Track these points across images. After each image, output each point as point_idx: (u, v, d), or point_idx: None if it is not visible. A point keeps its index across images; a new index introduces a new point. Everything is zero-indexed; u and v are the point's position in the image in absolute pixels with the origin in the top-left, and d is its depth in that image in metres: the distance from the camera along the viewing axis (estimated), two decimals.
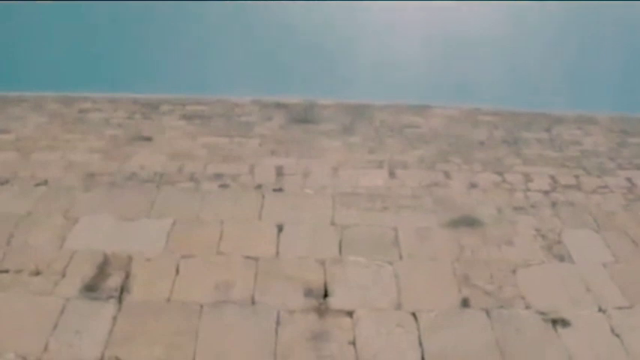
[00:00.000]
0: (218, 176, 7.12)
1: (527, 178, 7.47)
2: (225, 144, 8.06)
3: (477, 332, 4.97)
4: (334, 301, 5.22)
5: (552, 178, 7.52)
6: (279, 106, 9.62)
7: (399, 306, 5.21)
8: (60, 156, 7.47)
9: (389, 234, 6.11)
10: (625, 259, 5.97)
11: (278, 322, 4.98)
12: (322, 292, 5.33)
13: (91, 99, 9.50)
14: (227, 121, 8.91)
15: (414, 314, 5.11)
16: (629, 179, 7.59)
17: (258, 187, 6.94)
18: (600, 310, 5.25)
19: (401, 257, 5.80)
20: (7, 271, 5.32)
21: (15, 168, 7.12)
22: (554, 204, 6.89)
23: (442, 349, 4.80)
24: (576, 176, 7.62)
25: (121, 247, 5.68)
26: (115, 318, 4.88)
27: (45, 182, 6.83)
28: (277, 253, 5.79)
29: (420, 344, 4.84)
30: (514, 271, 5.66)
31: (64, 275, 5.28)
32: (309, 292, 5.31)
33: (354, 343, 4.83)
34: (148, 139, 8.12)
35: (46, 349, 4.56)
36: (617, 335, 4.98)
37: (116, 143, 7.94)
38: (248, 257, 5.65)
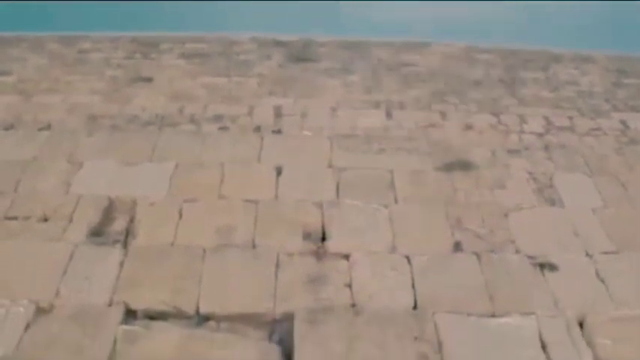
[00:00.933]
0: (218, 118, 7.24)
1: (522, 119, 7.58)
2: (224, 84, 8.16)
3: (467, 275, 5.18)
4: (331, 245, 5.43)
5: (547, 119, 7.63)
6: (277, 44, 9.67)
7: (393, 249, 5.41)
8: (62, 99, 7.58)
9: (385, 177, 6.28)
10: (614, 205, 6.13)
11: (277, 266, 5.19)
12: (320, 236, 5.53)
13: (91, 38, 9.55)
14: (226, 59, 8.98)
15: (407, 257, 5.32)
16: (623, 122, 7.69)
17: (257, 128, 7.07)
18: (587, 254, 5.45)
19: (396, 201, 5.99)
20: (15, 218, 5.51)
21: (18, 111, 7.24)
22: (547, 147, 7.01)
23: (433, 291, 5.02)
24: (570, 118, 7.73)
25: (124, 192, 5.86)
26: (121, 263, 5.09)
27: (48, 126, 6.96)
28: (276, 196, 5.97)
29: (413, 286, 5.06)
30: (506, 215, 5.84)
31: (71, 221, 5.48)
32: (307, 236, 5.51)
33: (350, 286, 5.05)
34: (148, 79, 8.21)
35: (57, 294, 4.79)
36: (602, 280, 5.19)
37: (117, 84, 8.04)
38: (248, 201, 5.84)
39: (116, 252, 5.19)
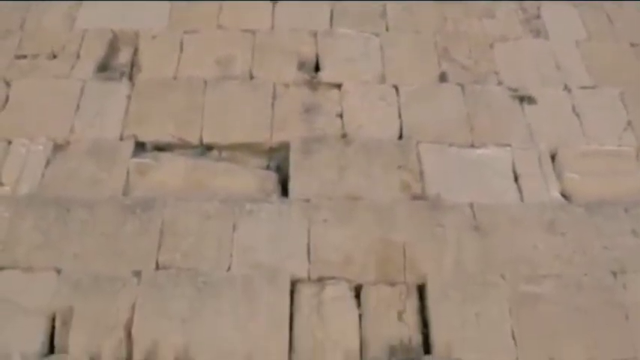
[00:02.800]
0: None
1: None
2: None
3: (451, 106, 5.51)
4: (324, 75, 5.72)
5: None
6: None
7: (382, 79, 5.71)
8: None
9: (377, 5, 6.40)
10: (598, 37, 6.24)
11: (274, 97, 5.53)
12: (313, 66, 5.81)
13: None
14: None
15: (395, 87, 5.64)
16: None
17: None
18: (566, 88, 5.71)
19: (387, 29, 6.17)
20: (25, 57, 5.74)
21: None
22: None
23: (418, 122, 5.38)
24: None
25: (127, 25, 6.02)
26: (129, 97, 5.43)
27: None
28: (272, 26, 6.15)
29: (400, 117, 5.43)
30: (491, 46, 6.03)
31: (78, 56, 5.72)
32: (301, 66, 5.79)
33: (341, 116, 5.42)
34: None
35: (71, 131, 5.18)
36: (577, 115, 5.50)
37: None
38: (246, 30, 6.04)
39: (123, 86, 5.50)
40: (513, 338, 4.29)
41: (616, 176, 5.12)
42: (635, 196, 4.98)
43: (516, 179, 5.05)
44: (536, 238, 4.69)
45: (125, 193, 4.88)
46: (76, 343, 4.21)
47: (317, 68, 5.79)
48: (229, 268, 4.53)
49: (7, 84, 5.51)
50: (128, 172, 4.95)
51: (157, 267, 4.50)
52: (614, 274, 4.59)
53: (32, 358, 4.17)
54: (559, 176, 5.07)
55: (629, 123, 5.46)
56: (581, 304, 4.43)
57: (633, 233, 4.76)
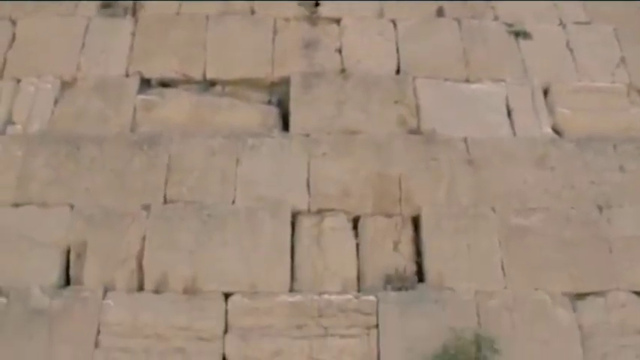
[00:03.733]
0: None
1: None
2: None
3: (447, 41, 5.57)
4: (324, 10, 5.76)
5: None
6: None
7: (381, 14, 5.75)
8: None
9: None
10: None
11: (275, 32, 5.59)
12: (314, 1, 5.84)
13: None
14: None
15: (393, 22, 5.69)
16: None
17: None
18: (561, 23, 5.75)
19: None
20: None
21: None
22: None
23: (415, 57, 5.46)
24: None
25: None
26: (133, 34, 5.49)
27: None
28: None
29: (397, 52, 5.51)
30: None
31: None
32: (302, 1, 5.82)
33: (340, 51, 5.50)
34: None
35: (78, 68, 5.26)
36: (571, 50, 5.56)
37: None
38: None
39: (127, 23, 5.56)
40: (502, 269, 4.51)
41: (607, 113, 5.22)
42: (624, 133, 5.10)
43: (509, 114, 5.17)
44: (527, 173, 4.85)
45: (132, 129, 5.01)
46: (90, 274, 4.45)
47: (317, 3, 5.81)
48: (233, 202, 4.71)
49: (13, 23, 5.56)
50: (134, 109, 5.08)
51: (165, 201, 4.68)
52: (600, 208, 4.76)
53: (50, 290, 4.41)
54: (551, 111, 5.18)
55: (622, 60, 5.52)
56: (567, 237, 4.62)
57: (620, 169, 4.91)
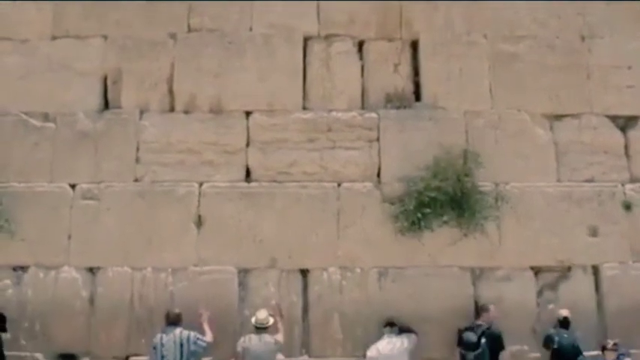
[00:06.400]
0: None
1: None
2: None
3: None
4: None
5: None
6: None
7: None
8: None
9: None
10: None
11: None
12: None
13: None
14: None
15: None
16: None
17: None
18: None
19: None
20: None
21: None
22: None
23: None
24: None
25: None
26: None
27: None
28: None
29: None
30: None
31: None
32: None
33: None
34: None
35: None
36: None
37: None
38: None
39: None
40: (490, 91, 4.94)
41: None
42: None
43: None
44: (519, 2, 5.10)
45: None
46: (127, 99, 4.90)
47: None
48: (251, 29, 5.03)
49: None
50: None
51: (189, 29, 5.00)
52: (583, 38, 5.07)
53: (92, 115, 4.90)
54: None
55: None
56: (550, 63, 4.98)
57: (606, 3, 5.15)
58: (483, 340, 4.35)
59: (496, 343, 4.35)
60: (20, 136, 4.89)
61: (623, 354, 4.46)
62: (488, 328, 4.38)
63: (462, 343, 4.44)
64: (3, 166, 4.82)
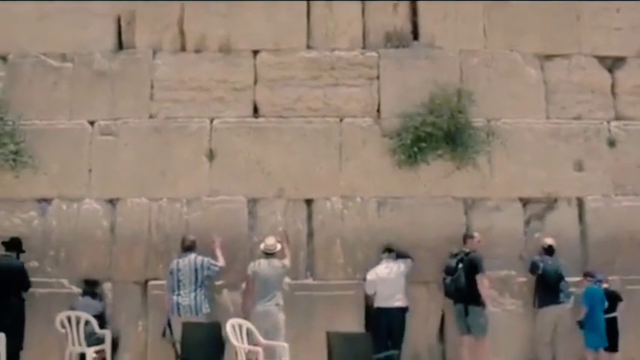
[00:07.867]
0: None
1: None
2: None
3: None
4: None
5: None
6: None
7: None
8: None
9: None
10: None
11: None
12: None
13: None
14: None
15: None
16: None
17: None
18: None
19: None
20: None
21: None
22: None
23: None
24: None
25: None
26: None
27: None
28: None
29: None
30: None
31: None
32: None
33: None
34: None
35: None
36: None
37: None
38: None
39: None
40: (484, 31, 5.13)
41: None
42: None
43: None
44: None
45: None
46: (140, 39, 5.08)
47: None
48: None
49: None
50: None
51: None
52: None
53: (108, 54, 5.09)
54: None
55: None
56: (542, 5, 5.14)
57: None
58: (460, 266, 4.66)
59: (472, 268, 4.62)
60: (40, 76, 5.08)
61: (599, 280, 4.80)
62: (467, 255, 4.68)
63: (444, 268, 4.76)
64: (25, 105, 5.00)
